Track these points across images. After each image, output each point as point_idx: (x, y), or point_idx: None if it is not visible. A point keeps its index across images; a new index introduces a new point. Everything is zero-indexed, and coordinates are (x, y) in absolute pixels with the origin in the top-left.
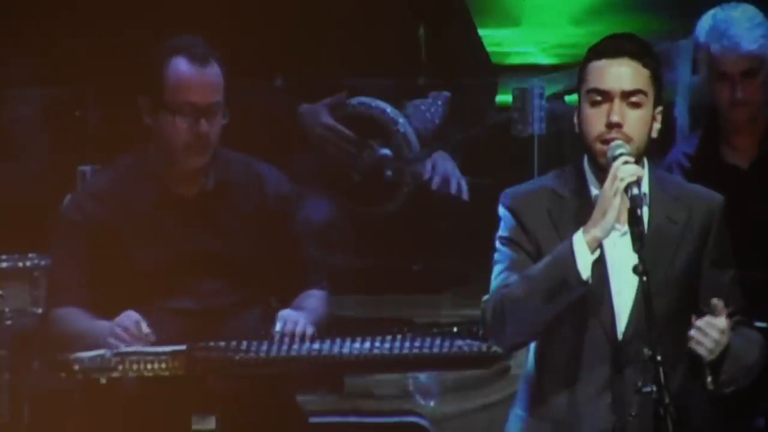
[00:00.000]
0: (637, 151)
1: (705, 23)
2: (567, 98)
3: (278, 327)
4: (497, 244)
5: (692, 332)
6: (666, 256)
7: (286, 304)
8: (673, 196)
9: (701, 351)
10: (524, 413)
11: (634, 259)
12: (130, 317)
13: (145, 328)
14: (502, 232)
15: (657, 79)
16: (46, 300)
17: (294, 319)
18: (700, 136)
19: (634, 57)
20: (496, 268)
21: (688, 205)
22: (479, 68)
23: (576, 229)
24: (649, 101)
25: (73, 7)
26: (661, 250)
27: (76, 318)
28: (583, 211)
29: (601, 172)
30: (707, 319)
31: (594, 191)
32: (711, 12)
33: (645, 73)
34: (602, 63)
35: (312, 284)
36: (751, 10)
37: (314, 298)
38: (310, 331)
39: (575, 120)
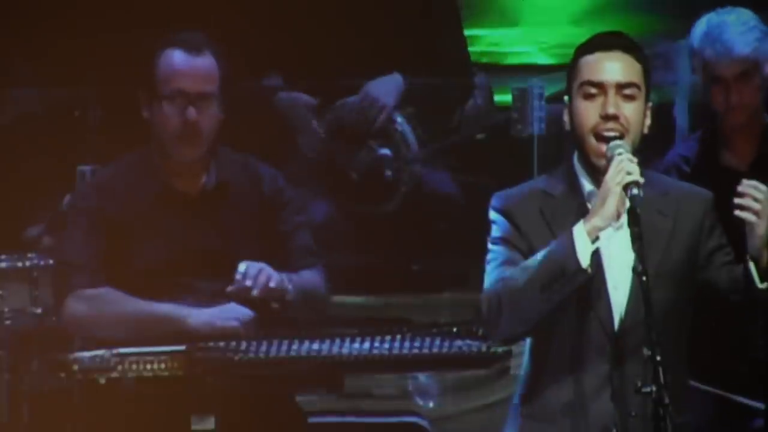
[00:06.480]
0: (632, 144)
1: (699, 28)
2: (567, 98)
3: (241, 269)
4: (489, 245)
5: (736, 199)
6: (658, 248)
7: None
8: (661, 192)
9: (747, 216)
10: (522, 409)
11: (630, 253)
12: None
13: None
14: (494, 233)
15: (648, 75)
16: (58, 289)
17: (257, 265)
18: (699, 139)
19: (627, 50)
20: (490, 267)
21: (677, 198)
22: (459, 67)
23: (569, 227)
24: (641, 95)
25: (73, 7)
26: (652, 244)
27: (124, 298)
28: (575, 208)
29: (594, 169)
30: (749, 182)
31: (587, 188)
32: (705, 17)
33: (638, 66)
34: (595, 57)
35: (304, 267)
36: (745, 14)
37: (304, 272)
38: (275, 279)
39: (565, 118)
